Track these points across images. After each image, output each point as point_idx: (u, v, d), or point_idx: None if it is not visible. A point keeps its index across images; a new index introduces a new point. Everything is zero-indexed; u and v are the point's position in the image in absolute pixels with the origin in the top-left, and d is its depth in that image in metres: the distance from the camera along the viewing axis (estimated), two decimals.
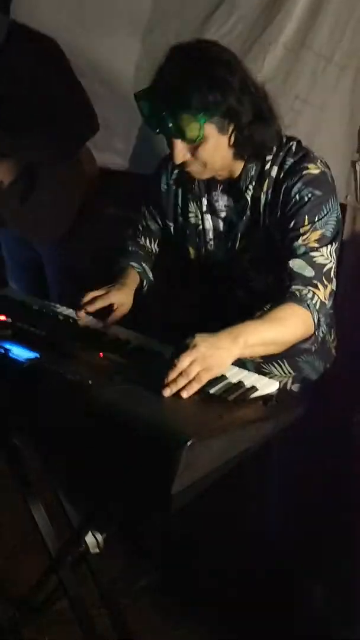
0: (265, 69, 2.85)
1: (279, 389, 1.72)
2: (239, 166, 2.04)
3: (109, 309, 2.05)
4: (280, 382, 1.96)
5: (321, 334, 2.10)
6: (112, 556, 2.37)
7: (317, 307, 1.91)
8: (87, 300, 2.03)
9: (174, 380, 1.59)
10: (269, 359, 2.02)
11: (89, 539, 2.21)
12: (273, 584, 2.17)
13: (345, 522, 1.99)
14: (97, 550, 2.27)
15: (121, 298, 2.09)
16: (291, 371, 2.08)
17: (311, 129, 2.84)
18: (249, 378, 1.72)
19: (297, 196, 1.97)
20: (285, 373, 2.06)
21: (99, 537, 2.28)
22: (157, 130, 1.90)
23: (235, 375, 1.73)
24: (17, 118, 2.72)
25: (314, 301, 1.91)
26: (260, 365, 2.01)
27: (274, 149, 2.02)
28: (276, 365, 2.05)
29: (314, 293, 1.91)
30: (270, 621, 2.12)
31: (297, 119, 2.83)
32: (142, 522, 1.72)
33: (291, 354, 2.03)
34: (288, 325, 1.87)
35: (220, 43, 1.98)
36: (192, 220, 2.19)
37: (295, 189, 1.98)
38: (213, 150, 1.93)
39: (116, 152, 3.27)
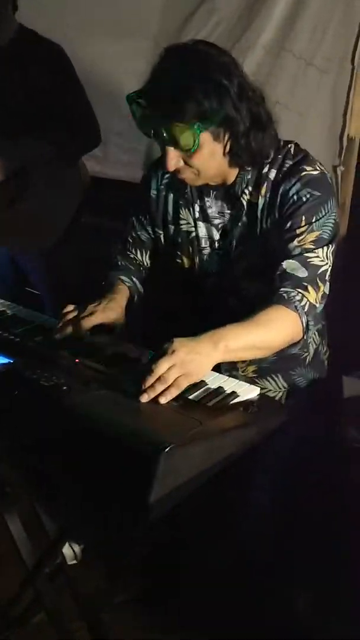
0: (245, 71, 2.83)
1: (260, 395, 1.68)
2: (234, 172, 1.98)
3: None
4: (274, 397, 1.93)
5: (314, 345, 2.06)
6: (91, 568, 2.33)
7: (306, 309, 1.86)
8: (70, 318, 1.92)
9: (152, 386, 1.55)
10: (263, 373, 1.98)
11: (67, 550, 2.17)
12: (256, 594, 2.14)
13: (331, 527, 1.97)
14: (74, 561, 2.23)
15: (110, 319, 1.96)
16: (286, 385, 2.03)
17: (292, 134, 2.81)
18: (230, 384, 1.68)
19: (295, 197, 1.92)
20: (279, 388, 2.02)
21: (77, 548, 2.24)
22: (150, 135, 1.84)
23: (215, 380, 1.69)
24: (15, 120, 2.70)
25: (302, 303, 1.85)
26: (254, 380, 1.96)
27: (272, 153, 1.97)
28: (270, 380, 2.00)
29: (303, 295, 1.85)
30: (254, 632, 2.09)
31: (278, 124, 2.81)
32: (120, 532, 1.68)
33: (285, 367, 1.99)
34: (273, 328, 1.82)
35: (216, 44, 1.89)
36: (184, 227, 2.11)
37: (293, 190, 1.93)
38: (207, 158, 1.87)
39: (110, 161, 3.24)
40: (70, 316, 1.91)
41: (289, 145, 2.00)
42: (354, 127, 2.91)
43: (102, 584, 2.37)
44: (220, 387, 1.66)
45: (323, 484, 1.96)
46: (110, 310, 1.96)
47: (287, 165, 1.96)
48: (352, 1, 2.81)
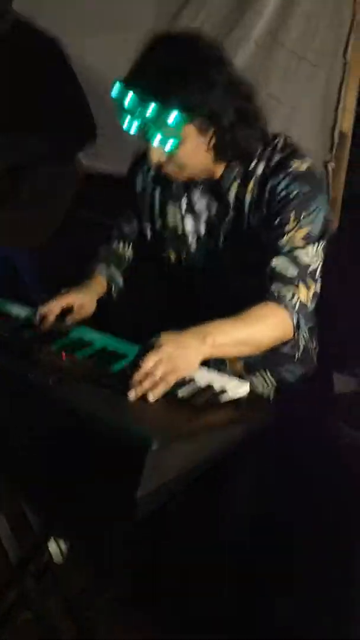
0: (237, 65, 2.77)
1: (250, 392, 1.67)
2: (220, 168, 1.95)
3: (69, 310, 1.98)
4: (262, 394, 1.91)
5: (303, 342, 2.04)
6: (78, 567, 2.31)
7: (297, 307, 1.84)
8: (45, 310, 1.95)
9: (139, 382, 1.53)
10: (251, 369, 1.96)
11: (53, 547, 2.15)
12: (244, 592, 2.13)
13: (320, 524, 1.96)
14: (60, 559, 2.21)
15: (80, 299, 2.01)
16: (274, 382, 2.01)
17: (284, 128, 2.80)
18: (219, 380, 1.66)
19: (284, 192, 1.89)
20: (268, 384, 2.00)
21: (63, 545, 2.23)
22: (131, 131, 1.81)
23: (204, 377, 1.67)
24: (10, 114, 2.67)
25: (293, 301, 1.83)
26: (241, 376, 1.94)
27: (259, 148, 1.94)
28: (259, 375, 1.98)
29: (294, 293, 1.83)
30: (240, 630, 2.07)
31: (270, 118, 2.79)
32: (107, 529, 1.67)
33: (273, 362, 1.97)
34: (262, 325, 1.80)
35: (207, 36, 1.87)
36: (171, 222, 2.09)
37: (281, 185, 1.89)
38: (191, 152, 1.84)
39: (102, 156, 3.21)
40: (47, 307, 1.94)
41: (278, 139, 1.97)
42: (346, 123, 2.90)
43: (89, 582, 2.35)
44: (209, 384, 1.64)
45: (312, 480, 1.95)
46: (80, 295, 2.01)
47: (275, 160, 1.93)
48: None
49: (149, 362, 1.55)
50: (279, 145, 1.95)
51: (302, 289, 1.85)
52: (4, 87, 2.75)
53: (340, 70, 2.83)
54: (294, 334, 1.88)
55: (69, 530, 2.21)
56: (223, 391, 1.62)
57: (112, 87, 1.79)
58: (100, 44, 3.02)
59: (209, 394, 1.59)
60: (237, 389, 1.64)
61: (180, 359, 1.59)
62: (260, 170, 1.94)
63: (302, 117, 2.86)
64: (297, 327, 1.86)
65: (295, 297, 1.83)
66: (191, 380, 1.63)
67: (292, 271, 1.85)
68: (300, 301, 1.84)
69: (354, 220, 3.08)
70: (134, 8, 3.02)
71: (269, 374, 1.98)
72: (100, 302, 2.11)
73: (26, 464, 1.58)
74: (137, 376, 1.53)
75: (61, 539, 2.22)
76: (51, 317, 1.93)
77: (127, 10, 3.02)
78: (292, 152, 1.95)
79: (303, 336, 2.06)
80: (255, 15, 2.84)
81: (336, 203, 2.99)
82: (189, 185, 2.03)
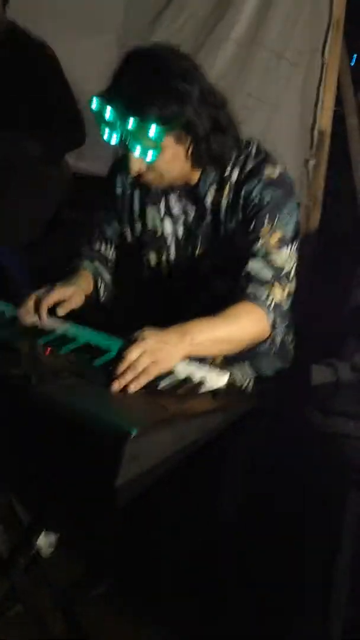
0: (217, 65, 2.87)
1: (229, 384, 1.71)
2: (196, 174, 2.01)
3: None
4: (241, 385, 1.95)
5: (280, 336, 2.08)
6: (68, 562, 2.33)
7: (272, 307, 1.90)
8: (31, 304, 1.93)
9: (122, 373, 1.57)
10: (230, 361, 1.99)
11: (42, 540, 2.17)
12: (232, 580, 2.15)
13: (299, 512, 1.99)
14: (50, 551, 2.23)
15: (66, 292, 1.99)
16: (253, 374, 2.05)
17: (264, 127, 2.85)
18: (198, 372, 1.71)
19: (257, 198, 1.95)
20: (246, 376, 2.03)
21: (52, 537, 2.25)
22: (111, 142, 1.85)
23: (184, 369, 1.71)
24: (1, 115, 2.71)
25: (268, 302, 1.89)
26: (221, 368, 1.98)
27: (234, 154, 1.99)
28: (237, 367, 2.01)
29: (269, 294, 1.89)
30: (232, 619, 2.10)
31: (250, 117, 2.84)
32: (91, 519, 1.70)
33: (251, 355, 2.00)
34: (240, 323, 1.85)
35: (178, 49, 1.90)
36: (150, 224, 2.13)
37: (255, 191, 1.96)
38: (170, 160, 1.89)
39: (86, 156, 3.24)
40: (30, 302, 1.93)
41: (251, 146, 2.02)
42: (325, 121, 2.93)
43: (78, 576, 2.36)
44: (188, 376, 1.68)
45: (291, 468, 1.98)
46: (68, 288, 1.99)
47: (248, 166, 1.99)
48: None
49: (132, 354, 1.59)
50: (253, 152, 2.01)
51: (277, 289, 1.91)
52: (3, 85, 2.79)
53: (318, 70, 2.87)
54: (270, 333, 1.93)
55: (57, 523, 2.23)
56: (202, 382, 1.66)
57: (89, 102, 1.84)
58: (81, 45, 3.06)
59: (188, 385, 1.63)
60: (216, 379, 1.68)
61: (162, 353, 1.63)
62: (235, 176, 2.00)
63: (281, 115, 2.89)
64: (273, 326, 1.92)
65: (271, 298, 1.90)
66: (171, 373, 1.67)
67: (267, 273, 1.91)
68: (275, 302, 1.90)
69: (332, 217, 3.13)
70: (110, 8, 3.05)
71: (247, 366, 2.02)
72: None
73: (12, 458, 1.60)
74: (121, 367, 1.58)
75: (50, 532, 2.24)
76: (43, 314, 1.91)
77: (104, 11, 3.06)
78: (264, 158, 2.00)
79: (279, 333, 2.10)
80: (236, 14, 2.87)
81: (316, 200, 3.03)
82: (165, 190, 2.07)
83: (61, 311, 1.95)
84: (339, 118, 3.09)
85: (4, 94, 2.80)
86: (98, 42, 2.96)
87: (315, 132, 2.92)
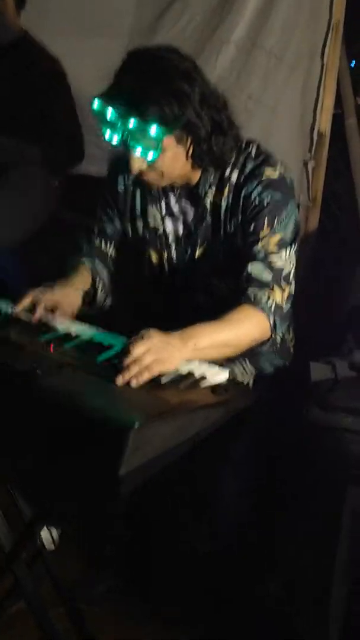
0: (218, 68, 2.89)
1: (229, 378, 1.73)
2: (197, 174, 2.03)
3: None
4: (242, 382, 1.98)
5: (280, 335, 2.11)
6: (70, 560, 2.34)
7: (273, 309, 1.92)
8: (28, 302, 1.95)
9: (127, 367, 1.59)
10: (231, 358, 2.00)
11: (44, 534, 2.18)
12: (234, 578, 2.16)
13: (297, 506, 2.01)
14: (52, 546, 2.24)
15: (65, 295, 2.00)
16: (253, 370, 2.08)
17: (264, 129, 2.87)
18: (200, 368, 1.73)
19: (257, 200, 1.97)
20: (247, 373, 2.06)
21: (54, 532, 2.26)
22: (113, 142, 1.87)
23: (186, 365, 1.73)
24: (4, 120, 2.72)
25: (269, 304, 1.91)
26: (221, 365, 2.00)
27: (233, 155, 2.01)
28: (238, 364, 2.04)
29: (269, 296, 1.92)
30: (234, 618, 2.12)
31: (250, 119, 2.87)
32: (94, 511, 1.71)
33: (252, 353, 2.03)
34: (242, 328, 1.88)
35: (179, 50, 1.93)
36: (152, 223, 2.15)
37: (255, 193, 1.98)
38: (171, 161, 1.92)
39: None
40: (27, 301, 1.94)
41: (251, 147, 2.04)
42: (324, 123, 2.96)
43: (81, 572, 2.37)
44: (190, 371, 1.70)
45: (290, 458, 2.00)
46: (64, 290, 2.01)
47: (248, 168, 2.01)
48: None
49: (138, 349, 1.62)
50: (253, 153, 2.03)
51: (277, 291, 1.94)
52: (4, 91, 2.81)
53: (318, 72, 2.90)
54: (271, 335, 1.96)
55: (60, 516, 2.23)
56: (203, 378, 1.69)
57: (90, 103, 1.86)
58: (83, 47, 3.08)
59: (190, 380, 1.66)
60: (217, 375, 1.71)
61: (166, 352, 1.66)
62: (234, 177, 2.02)
63: (281, 117, 2.91)
64: (274, 327, 1.94)
65: (271, 300, 1.92)
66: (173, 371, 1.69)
67: (267, 275, 1.93)
68: (275, 303, 1.93)
69: (331, 217, 3.15)
70: (114, 11, 3.07)
71: (248, 363, 2.05)
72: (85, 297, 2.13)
73: (15, 451, 1.61)
74: (126, 361, 1.60)
75: (52, 526, 2.25)
76: (39, 312, 1.93)
77: (107, 14, 3.08)
78: (264, 159, 2.02)
79: (279, 333, 2.13)
80: (236, 17, 2.89)
81: (316, 201, 3.05)
82: (166, 189, 2.09)
83: (58, 315, 1.95)
84: (338, 120, 3.11)
85: (8, 99, 2.82)
86: (103, 43, 2.98)
87: (315, 134, 2.94)
